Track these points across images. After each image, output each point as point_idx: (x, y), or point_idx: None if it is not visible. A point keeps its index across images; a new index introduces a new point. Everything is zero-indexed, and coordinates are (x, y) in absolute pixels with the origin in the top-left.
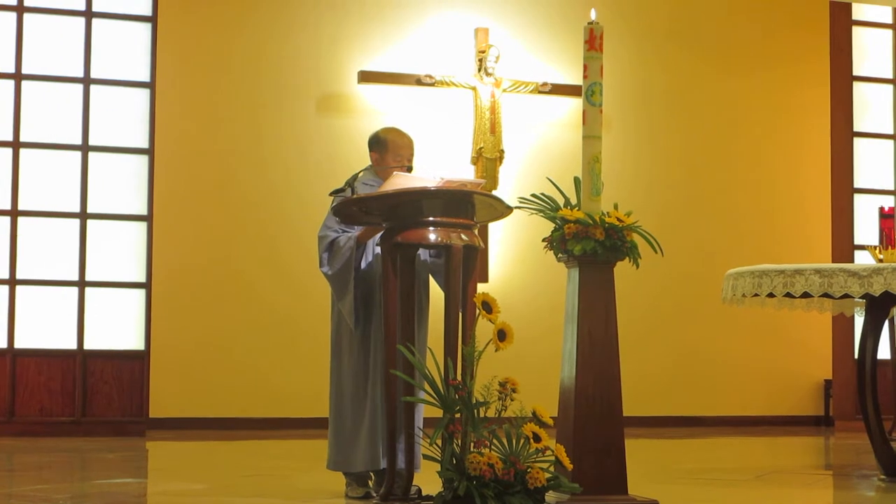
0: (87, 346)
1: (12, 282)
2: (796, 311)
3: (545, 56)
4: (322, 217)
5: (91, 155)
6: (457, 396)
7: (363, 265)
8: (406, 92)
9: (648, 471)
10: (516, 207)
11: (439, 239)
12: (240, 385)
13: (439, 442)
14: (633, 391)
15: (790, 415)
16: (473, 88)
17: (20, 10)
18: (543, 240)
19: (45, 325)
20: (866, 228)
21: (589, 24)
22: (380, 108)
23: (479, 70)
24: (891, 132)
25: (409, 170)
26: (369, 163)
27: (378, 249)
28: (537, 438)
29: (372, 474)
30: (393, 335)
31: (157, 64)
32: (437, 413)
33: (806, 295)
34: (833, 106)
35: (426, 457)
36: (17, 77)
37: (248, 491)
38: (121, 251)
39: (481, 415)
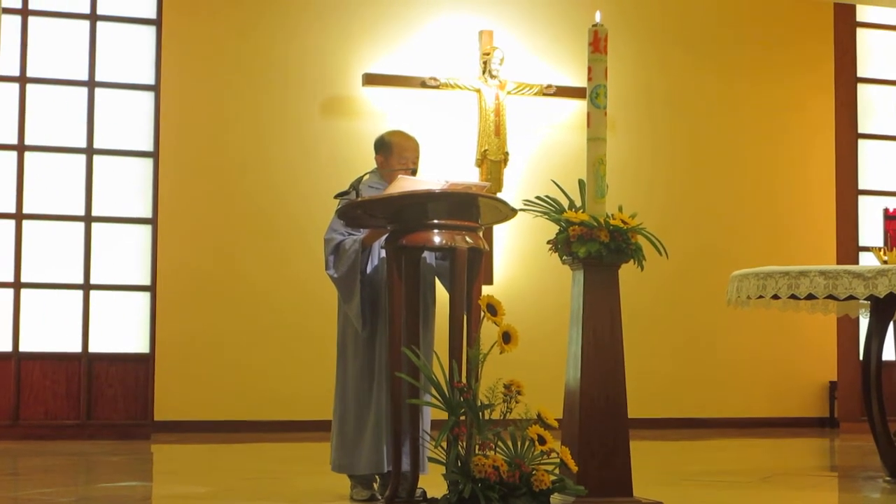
0: (92, 349)
1: (17, 285)
2: (801, 312)
3: (549, 58)
4: (327, 220)
5: (96, 158)
6: (462, 399)
7: (369, 268)
8: (410, 94)
9: (653, 473)
10: (521, 210)
11: (444, 241)
12: (245, 388)
13: (444, 444)
14: (638, 393)
15: (795, 416)
16: (478, 91)
17: (25, 13)
18: (548, 242)
19: (49, 329)
20: (871, 230)
21: (593, 26)
22: (384, 111)
23: (484, 72)
24: (895, 134)
25: (414, 172)
26: (374, 165)
27: (383, 252)
28: (542, 441)
29: (377, 476)
30: (398, 338)
31: (162, 67)
32: (443, 415)
33: (811, 297)
34: (837, 107)
35: (431, 459)
36: (22, 80)
37: (253, 494)
38: (125, 254)
39: (486, 417)
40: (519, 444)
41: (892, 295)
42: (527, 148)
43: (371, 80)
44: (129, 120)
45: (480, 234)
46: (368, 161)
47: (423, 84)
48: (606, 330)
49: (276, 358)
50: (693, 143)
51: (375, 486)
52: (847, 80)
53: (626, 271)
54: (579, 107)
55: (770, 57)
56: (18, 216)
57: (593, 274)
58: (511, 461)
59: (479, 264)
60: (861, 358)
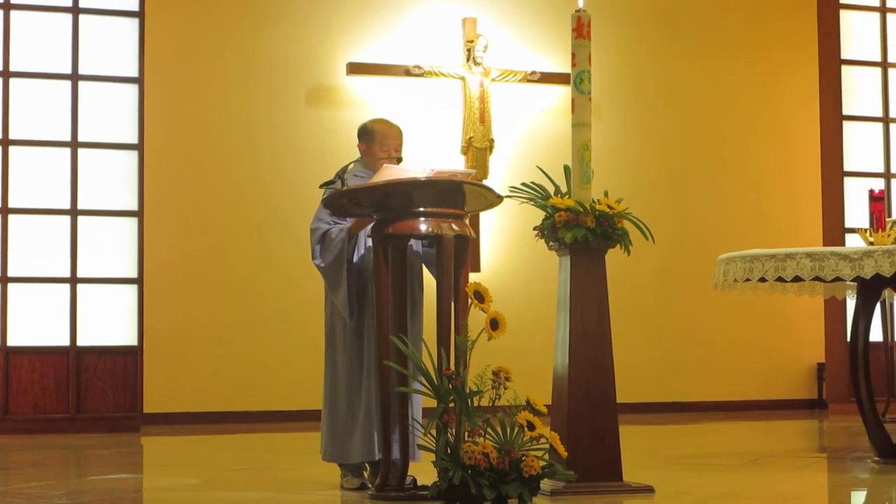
0: (80, 342)
1: (4, 279)
2: (788, 294)
3: (533, 45)
4: (313, 210)
5: (80, 151)
6: (450, 386)
7: (355, 257)
8: (395, 83)
9: (643, 457)
10: (507, 196)
11: (430, 229)
12: (233, 379)
13: (434, 432)
14: (626, 378)
15: (784, 398)
16: (462, 78)
17: (7, 7)
18: (534, 228)
19: (37, 322)
20: (857, 211)
21: (576, 11)
22: (369, 100)
23: (468, 60)
24: (880, 115)
25: (399, 160)
26: (359, 154)
27: (370, 241)
28: (531, 426)
29: (367, 465)
30: (386, 326)
31: (146, 59)
32: (433, 403)
33: (797, 279)
34: (822, 90)
35: (421, 447)
36: (6, 74)
37: (244, 484)
38: (112, 247)
39: (475, 404)
40: (508, 430)
41: (879, 276)
42: (512, 135)
43: (355, 69)
44: (113, 113)
45: (467, 221)
46: (354, 150)
47: (407, 72)
48: (594, 315)
49: (264, 348)
50: (678, 127)
51: (365, 474)
52: (831, 62)
53: (614, 257)
54: (564, 93)
55: (754, 41)
56: (4, 210)
57: (580, 259)
58: (501, 447)
59: (465, 251)
60: (848, 339)
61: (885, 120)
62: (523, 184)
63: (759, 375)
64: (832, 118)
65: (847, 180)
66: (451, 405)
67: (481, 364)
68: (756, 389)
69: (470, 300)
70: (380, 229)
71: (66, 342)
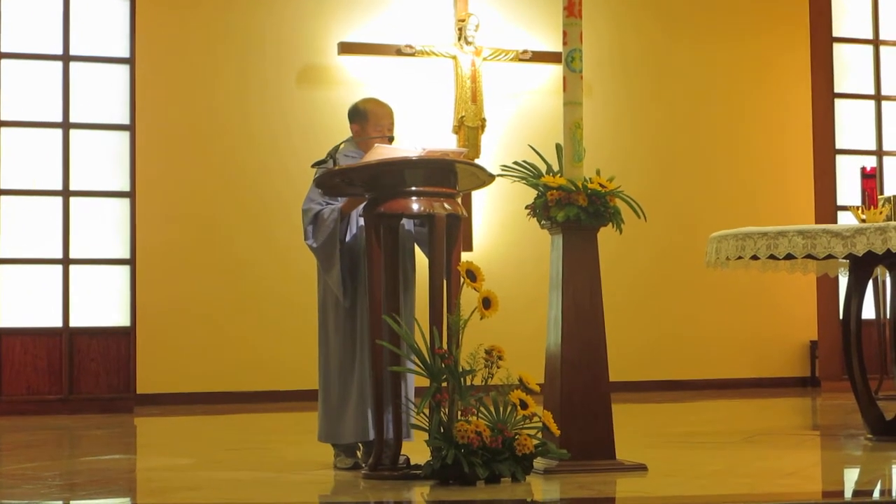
0: (73, 323)
1: None
2: (780, 273)
3: (525, 24)
4: (306, 189)
5: (72, 132)
6: (443, 365)
7: (348, 237)
8: (386, 62)
9: (636, 435)
10: (499, 175)
11: (422, 208)
12: (227, 359)
13: (427, 411)
14: (619, 356)
15: (777, 376)
16: (454, 57)
17: None
18: (526, 207)
19: (30, 304)
20: (849, 189)
21: None
22: (361, 80)
23: (459, 39)
24: (871, 93)
25: (391, 140)
26: (351, 134)
27: (362, 221)
28: (524, 405)
29: (361, 445)
30: (378, 306)
31: (137, 39)
32: (425, 382)
33: (789, 256)
34: (813, 68)
35: (414, 426)
36: None
37: (237, 465)
38: (104, 228)
39: (468, 383)
40: (501, 409)
41: (871, 253)
42: (504, 114)
43: (347, 48)
44: (104, 93)
45: (459, 200)
46: (346, 129)
47: (398, 52)
48: (586, 293)
49: (257, 328)
50: (670, 105)
51: (359, 454)
52: (823, 40)
53: (606, 236)
54: (555, 72)
55: (745, 19)
56: None
57: (572, 238)
58: (494, 426)
59: (457, 230)
60: (841, 317)
61: (877, 97)
62: (515, 162)
63: (753, 353)
64: (824, 96)
65: (839, 158)
66: (444, 384)
67: (474, 343)
68: (749, 367)
69: (462, 279)
70: (372, 209)
71: (58, 323)
